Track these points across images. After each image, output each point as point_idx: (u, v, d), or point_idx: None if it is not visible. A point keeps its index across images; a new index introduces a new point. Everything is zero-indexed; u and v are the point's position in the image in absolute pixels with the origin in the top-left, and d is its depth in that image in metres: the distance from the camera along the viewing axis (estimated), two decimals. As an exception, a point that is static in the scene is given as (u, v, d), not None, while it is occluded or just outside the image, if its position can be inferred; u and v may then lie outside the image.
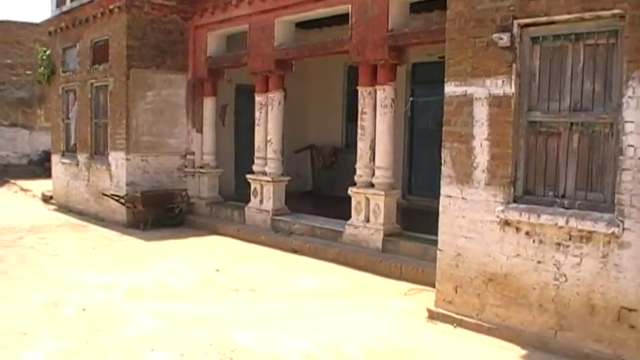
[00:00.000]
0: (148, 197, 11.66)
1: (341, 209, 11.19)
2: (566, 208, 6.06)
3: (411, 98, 9.32)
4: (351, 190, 9.63)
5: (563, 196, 6.17)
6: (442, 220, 6.92)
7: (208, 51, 12.39)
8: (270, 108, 11.09)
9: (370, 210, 9.42)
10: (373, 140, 9.50)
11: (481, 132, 6.53)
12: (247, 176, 11.50)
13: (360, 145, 9.57)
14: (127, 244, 10.72)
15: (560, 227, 5.97)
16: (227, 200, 12.79)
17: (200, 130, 12.76)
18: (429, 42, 8.77)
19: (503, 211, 6.31)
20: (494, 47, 6.41)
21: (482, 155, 6.52)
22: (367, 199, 9.44)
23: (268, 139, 11.11)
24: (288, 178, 11.28)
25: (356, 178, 9.65)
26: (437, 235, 8.87)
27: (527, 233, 6.22)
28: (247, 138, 12.97)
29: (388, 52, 9.04)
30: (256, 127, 11.40)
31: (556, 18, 6.03)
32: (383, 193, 9.21)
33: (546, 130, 6.25)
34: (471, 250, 6.63)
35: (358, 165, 9.60)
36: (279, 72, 10.92)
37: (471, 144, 6.61)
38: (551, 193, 6.25)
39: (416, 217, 10.97)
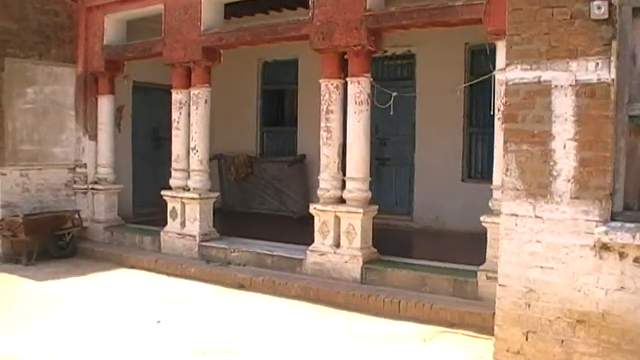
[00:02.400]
0: (32, 222, 8.79)
1: (272, 230, 9.48)
2: (687, 225, 4.50)
3: (394, 93, 7.44)
4: (314, 208, 7.55)
5: (677, 210, 4.61)
6: (504, 246, 5.13)
7: (105, 38, 9.72)
8: (194, 108, 8.77)
9: (341, 232, 7.46)
10: (342, 145, 7.50)
11: (564, 130, 4.85)
12: (164, 193, 9.04)
13: (324, 151, 7.59)
14: (2, 288, 7.71)
15: (684, 250, 4.38)
16: (127, 222, 10.05)
17: (94, 137, 10.04)
18: (423, 24, 6.95)
19: (605, 233, 4.61)
20: (583, 20, 4.79)
21: (566, 160, 4.85)
22: (337, 219, 7.43)
23: (192, 146, 8.78)
24: (217, 194, 8.91)
25: (320, 192, 7.65)
26: (431, 259, 7.31)
27: (635, 260, 4.60)
28: (146, 146, 10.42)
29: (367, 36, 7.10)
30: (174, 132, 8.99)
31: (676, -19, 4.46)
32: (360, 210, 7.26)
33: (654, 127, 4.66)
34: (551, 285, 4.94)
35: (323, 176, 7.60)
36: (206, 63, 8.67)
37: (549, 146, 4.92)
38: (661, 208, 4.66)
39: (382, 238, 9.16)
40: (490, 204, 6.58)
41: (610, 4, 4.66)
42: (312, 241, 7.75)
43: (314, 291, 7.25)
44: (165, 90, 10.54)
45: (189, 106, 8.84)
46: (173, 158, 8.99)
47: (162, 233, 9.05)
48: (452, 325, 6.33)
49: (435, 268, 7.04)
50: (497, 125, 6.53)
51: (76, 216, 9.46)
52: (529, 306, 5.05)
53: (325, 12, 7.43)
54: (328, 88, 7.53)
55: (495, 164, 6.55)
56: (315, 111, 10.55)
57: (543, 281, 4.98)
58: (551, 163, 4.92)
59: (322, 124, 7.61)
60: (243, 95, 11.81)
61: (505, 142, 5.15)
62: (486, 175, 9.65)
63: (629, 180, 4.79)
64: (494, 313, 6.13)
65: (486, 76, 6.75)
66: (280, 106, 12.28)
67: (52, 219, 9.17)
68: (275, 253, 8.03)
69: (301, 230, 10.41)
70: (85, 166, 9.98)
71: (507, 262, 5.16)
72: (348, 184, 7.44)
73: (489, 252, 6.57)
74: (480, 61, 9.71)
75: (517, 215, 5.09)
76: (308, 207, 10.62)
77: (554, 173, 4.91)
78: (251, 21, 9.98)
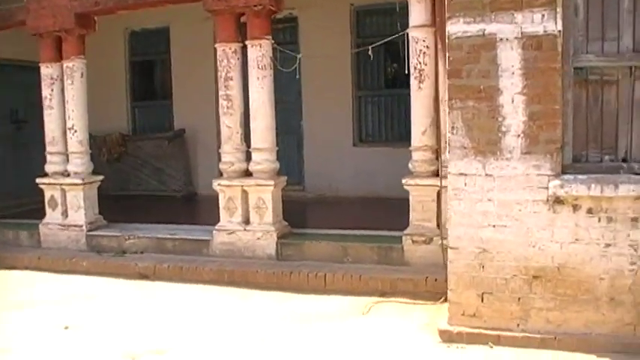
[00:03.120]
0: None
1: (159, 212, 8.79)
2: (637, 174, 4.52)
3: (299, 55, 6.91)
4: (218, 184, 6.88)
5: (624, 160, 4.62)
6: (454, 207, 4.87)
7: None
8: (69, 82, 7.68)
9: (251, 207, 6.86)
10: (244, 115, 6.87)
11: (512, 84, 4.67)
12: (40, 180, 7.95)
13: (225, 121, 6.94)
14: None
15: (637, 198, 4.43)
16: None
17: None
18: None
19: (561, 186, 4.51)
20: (527, -31, 4.51)
21: (515, 115, 4.68)
22: (245, 193, 6.83)
23: (69, 126, 7.72)
24: (101, 177, 7.89)
25: (222, 166, 7.02)
26: (344, 228, 6.97)
27: (589, 211, 4.57)
28: (4, 130, 9.08)
29: (269, -5, 6.51)
30: (47, 112, 7.87)
31: None
32: (271, 182, 6.73)
33: (599, 78, 4.60)
34: (505, 243, 4.79)
35: (225, 149, 6.95)
36: (79, 31, 7.58)
37: (497, 101, 4.72)
38: (607, 158, 4.66)
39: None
40: (410, 166, 6.34)
41: (555, -47, 4.46)
42: (215, 220, 7.14)
43: (229, 273, 6.67)
44: (24, 67, 9.23)
45: (62, 81, 7.72)
46: (47, 140, 7.86)
47: (41, 226, 7.91)
48: (383, 294, 6.06)
49: (357, 237, 6.71)
50: (414, 85, 6.29)
51: None
52: (483, 267, 4.86)
53: (220, -30, 6.65)
54: (226, 53, 6.83)
55: (415, 125, 6.27)
56: (191, 81, 9.81)
57: (497, 240, 4.80)
58: (500, 119, 4.72)
59: (221, 93, 6.94)
60: (109, 69, 10.60)
61: (450, 100, 4.86)
62: (377, 139, 9.53)
63: (576, 132, 4.73)
64: (426, 277, 6.02)
65: (400, 34, 6.42)
66: (151, 78, 11.20)
67: None
68: (177, 236, 7.25)
69: (191, 209, 9.71)
70: None
71: (458, 223, 4.91)
72: (254, 156, 6.85)
73: (413, 215, 6.37)
74: (366, 24, 9.47)
75: (466, 174, 4.84)
76: (191, 184, 9.99)
77: (503, 129, 4.72)
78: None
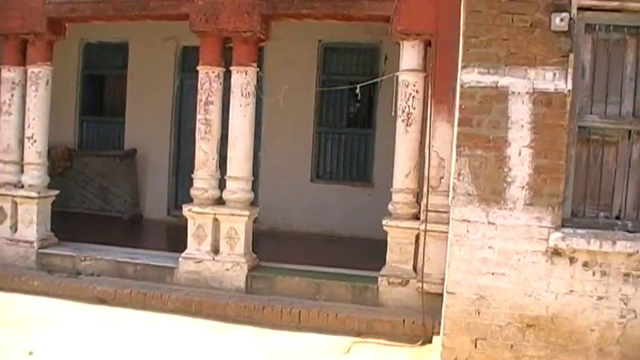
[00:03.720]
0: None
1: (109, 234, 8.35)
2: (631, 232, 4.73)
3: (285, 85, 6.79)
4: (188, 210, 6.61)
5: (617, 218, 4.85)
6: (455, 253, 4.91)
7: None
8: (32, 89, 7.23)
9: (222, 236, 6.64)
10: (219, 141, 6.70)
11: (520, 137, 4.80)
12: (-17, 190, 7.18)
13: (202, 146, 6.70)
14: None
15: (630, 255, 4.62)
16: None
17: None
18: (324, 16, 6.46)
19: (562, 239, 4.64)
20: (543, 30, 4.79)
21: (520, 167, 4.80)
22: (216, 222, 6.58)
23: (28, 134, 7.24)
24: (57, 192, 7.38)
25: (194, 192, 6.75)
26: (319, 265, 6.86)
27: (585, 264, 4.75)
28: None
29: (259, 22, 6.45)
30: (3, 118, 7.32)
31: (629, 5, 4.63)
32: (246, 212, 6.56)
33: (601, 138, 4.82)
34: (502, 291, 4.89)
35: (199, 174, 6.71)
36: (50, 36, 7.17)
37: (505, 152, 4.82)
38: (602, 214, 4.87)
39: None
40: (391, 207, 6.35)
41: (570, 18, 4.65)
42: (169, 247, 7.18)
43: (197, 303, 6.37)
44: None
45: (23, 86, 7.23)
46: (1, 148, 7.32)
47: (-16, 240, 7.22)
48: (359, 334, 5.99)
49: (330, 275, 6.61)
50: (400, 128, 6.35)
51: None
52: (479, 313, 4.92)
53: (210, -9, 6.49)
54: (209, 76, 6.65)
55: (398, 168, 6.32)
56: (146, 101, 9.45)
57: (495, 287, 4.87)
58: (506, 170, 4.82)
59: (200, 116, 6.71)
60: (60, 79, 9.89)
61: (458, 147, 4.91)
62: (335, 176, 9.51)
63: (576, 187, 4.88)
64: (404, 320, 5.99)
65: (389, 76, 6.49)
66: (103, 93, 10.67)
67: None
68: (138, 261, 6.86)
69: (140, 233, 9.25)
70: None
71: (457, 269, 4.95)
72: (230, 184, 6.65)
73: (390, 257, 6.38)
74: (332, 60, 9.50)
75: (469, 221, 4.89)
76: (138, 207, 9.53)
77: (509, 179, 4.82)
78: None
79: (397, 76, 6.39)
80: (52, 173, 9.16)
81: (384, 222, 6.31)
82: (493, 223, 4.83)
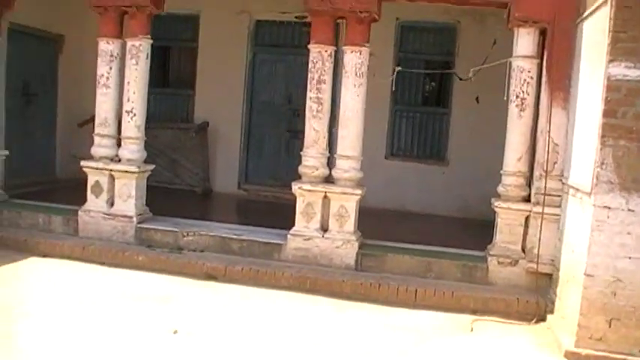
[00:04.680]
0: None
1: (189, 207, 8.79)
2: None
3: (398, 67, 7.17)
4: (298, 187, 7.03)
5: None
6: (595, 238, 5.37)
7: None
8: (133, 62, 7.48)
9: (331, 214, 7.03)
10: (332, 120, 7.09)
11: (664, 129, 5.18)
12: (84, 164, 7.62)
13: (313, 124, 7.08)
14: None
15: None
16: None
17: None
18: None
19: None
20: (690, 26, 5.12)
21: (663, 157, 5.19)
22: (327, 200, 6.99)
23: (128, 108, 7.51)
24: (153, 166, 7.73)
25: (304, 170, 7.15)
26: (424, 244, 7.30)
27: None
28: (16, 103, 8.84)
29: (377, 2, 6.81)
30: (101, 90, 7.57)
31: None
32: (358, 191, 6.98)
33: None
34: (637, 274, 5.30)
35: (310, 152, 7.10)
36: (152, 9, 7.42)
37: (648, 143, 5.21)
38: None
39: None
40: (501, 189, 6.79)
41: None
42: (254, 222, 7.60)
43: (311, 280, 6.77)
44: (38, 36, 8.93)
45: (120, 59, 7.52)
46: (98, 122, 7.60)
47: (81, 212, 7.61)
48: (474, 312, 6.41)
49: (441, 253, 7.06)
50: (514, 113, 6.75)
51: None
52: (615, 295, 5.36)
53: (328, -29, 6.82)
54: (322, 55, 7.00)
55: (511, 151, 6.77)
56: (218, 74, 9.76)
57: (630, 271, 5.32)
58: (649, 159, 5.23)
59: (312, 95, 7.07)
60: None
61: (602, 137, 5.33)
62: (409, 153, 9.93)
63: None
64: (517, 298, 6.48)
65: (502, 61, 6.85)
66: (172, 65, 10.94)
67: None
68: (244, 237, 7.24)
69: (220, 207, 9.62)
70: None
71: (596, 252, 5.39)
72: (341, 163, 7.05)
73: (499, 237, 6.83)
74: (409, 39, 9.86)
75: (610, 208, 5.33)
76: (208, 180, 9.91)
77: (651, 169, 5.24)
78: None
79: (510, 62, 6.76)
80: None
81: (495, 203, 6.76)
82: (633, 210, 5.28)
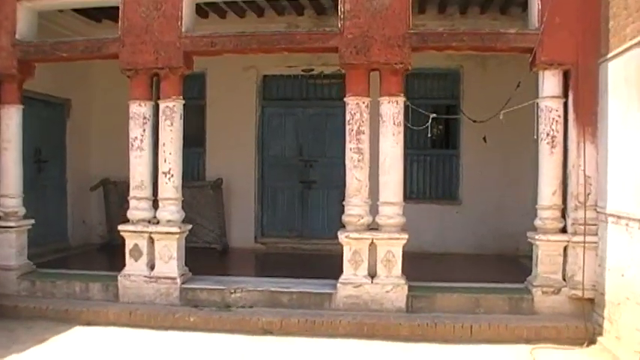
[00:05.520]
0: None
1: (211, 264, 9.16)
2: None
3: (433, 114, 7.75)
4: (345, 236, 7.39)
5: None
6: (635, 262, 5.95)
7: (18, 32, 7.86)
8: (167, 123, 7.72)
9: (379, 260, 7.41)
10: (369, 169, 7.55)
11: None
12: (122, 228, 7.72)
13: (355, 174, 7.46)
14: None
15: None
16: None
17: (-7, 159, 7.96)
18: (470, 48, 7.44)
19: None
20: None
21: None
22: (373, 246, 7.39)
23: (165, 170, 7.71)
24: (190, 226, 7.95)
25: (349, 219, 7.49)
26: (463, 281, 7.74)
27: None
28: (28, 170, 8.81)
29: (409, 54, 7.35)
30: (135, 153, 7.77)
31: None
32: (405, 236, 7.40)
33: None
34: None
35: (353, 202, 7.46)
36: (184, 70, 7.72)
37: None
38: None
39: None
40: (539, 222, 7.28)
41: None
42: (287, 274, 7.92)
43: (368, 326, 7.04)
44: (48, 102, 9.08)
45: (152, 120, 7.82)
46: (134, 184, 7.74)
47: (120, 277, 7.69)
48: (528, 342, 6.80)
49: (486, 289, 7.49)
50: (545, 150, 7.29)
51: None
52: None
53: (359, 25, 7.33)
54: (359, 107, 7.43)
55: (545, 186, 7.27)
56: (227, 130, 10.11)
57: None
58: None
59: (352, 146, 7.45)
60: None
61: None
62: (422, 195, 10.45)
63: None
64: (566, 325, 6.98)
65: (529, 103, 7.47)
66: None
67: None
68: (293, 290, 7.51)
69: (244, 262, 9.85)
70: (-22, 197, 7.86)
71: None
72: (385, 209, 7.42)
73: (540, 268, 7.30)
74: (414, 86, 10.47)
75: (646, 236, 5.90)
76: (225, 236, 10.15)
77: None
78: (237, 22, 9.09)
79: (537, 103, 7.38)
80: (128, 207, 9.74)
81: (535, 237, 7.25)
82: None
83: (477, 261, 9.75)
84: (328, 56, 8.73)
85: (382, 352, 6.50)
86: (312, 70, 10.45)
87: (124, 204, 9.69)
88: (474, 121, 8.70)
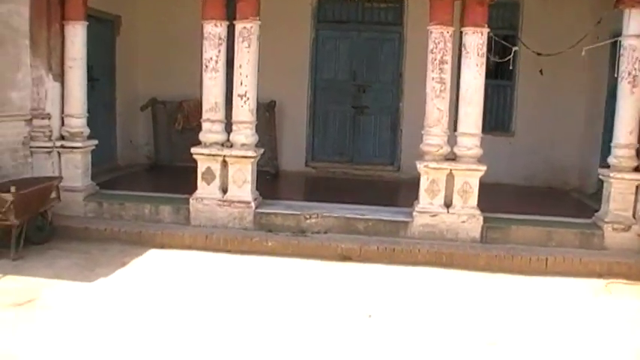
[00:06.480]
0: (24, 199, 6.72)
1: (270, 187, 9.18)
2: None
3: (515, 47, 7.94)
4: (424, 166, 7.63)
5: None
6: None
7: None
8: (245, 45, 7.72)
9: (455, 190, 7.68)
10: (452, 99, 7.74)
11: None
12: (195, 150, 7.80)
13: (437, 104, 7.62)
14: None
15: None
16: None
17: (59, 78, 7.93)
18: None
19: None
20: None
21: None
22: (451, 176, 7.65)
23: (241, 92, 7.75)
24: (262, 150, 8.11)
25: (428, 148, 7.69)
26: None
27: None
28: None
29: (497, -18, 7.40)
30: (210, 75, 7.80)
31: None
32: (483, 167, 7.65)
33: None
34: None
35: (433, 131, 7.66)
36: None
37: None
38: None
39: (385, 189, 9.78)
40: (615, 161, 7.55)
41: None
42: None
43: (447, 255, 7.34)
44: (99, 19, 9.13)
45: (227, 41, 7.83)
46: (208, 107, 7.80)
47: (192, 201, 7.84)
48: (600, 276, 7.11)
49: (558, 223, 7.83)
50: (625, 89, 7.47)
51: (56, 184, 7.56)
52: None
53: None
54: (443, 36, 7.52)
55: (622, 125, 7.49)
56: (280, 51, 10.12)
57: None
58: None
59: (434, 75, 7.58)
60: (180, 32, 10.40)
61: None
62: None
63: None
64: (636, 261, 7.39)
65: (612, 40, 7.65)
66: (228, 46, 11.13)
67: (41, 192, 7.18)
68: (369, 217, 7.78)
69: (299, 187, 10.08)
70: (48, 116, 7.88)
71: None
72: (464, 140, 7.61)
73: (612, 205, 7.63)
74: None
75: None
76: (276, 159, 10.33)
77: None
78: None
79: (620, 41, 7.54)
80: (185, 127, 9.89)
81: (609, 174, 7.54)
82: None
83: (529, 193, 10.13)
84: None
85: (462, 280, 6.81)
86: (370, -6, 10.47)
87: (172, 124, 9.90)
88: (539, 54, 8.84)
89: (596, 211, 7.97)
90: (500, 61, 8.36)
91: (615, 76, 7.60)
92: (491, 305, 6.12)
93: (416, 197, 7.81)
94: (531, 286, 6.74)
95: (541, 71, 10.25)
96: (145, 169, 10.74)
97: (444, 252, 7.38)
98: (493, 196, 8.20)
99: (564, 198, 10.07)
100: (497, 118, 10.74)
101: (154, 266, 6.90)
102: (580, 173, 10.50)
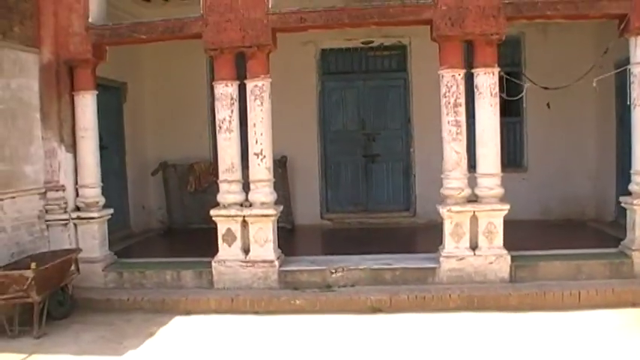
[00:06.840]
0: (44, 275, 6.68)
1: (290, 244, 9.13)
2: None
3: (526, 84, 8.00)
4: (447, 210, 7.62)
5: None
6: None
7: (91, 15, 7.83)
8: (257, 103, 7.79)
9: (480, 232, 7.67)
10: (469, 141, 7.78)
11: None
12: (214, 212, 7.79)
13: (454, 147, 7.67)
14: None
15: None
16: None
17: (71, 149, 7.99)
18: (565, 16, 7.66)
19: None
20: None
21: None
22: (474, 218, 7.64)
23: (256, 151, 7.80)
24: (281, 207, 8.12)
25: (449, 192, 7.71)
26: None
27: None
28: None
29: (504, 24, 7.50)
30: (224, 135, 7.83)
31: None
32: (507, 207, 7.67)
33: None
34: None
35: (453, 175, 7.68)
36: (272, 48, 7.79)
37: None
38: None
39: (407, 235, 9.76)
40: (635, 187, 7.56)
41: None
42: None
43: (478, 298, 7.29)
44: (106, 86, 9.20)
45: (238, 101, 7.89)
46: (224, 168, 7.81)
47: (214, 263, 7.80)
48: (634, 305, 7.07)
49: (585, 255, 7.80)
50: (638, 114, 7.55)
51: (75, 257, 7.52)
52: None
53: (452, -4, 7.45)
54: (455, 79, 7.60)
55: (638, 151, 7.54)
56: (287, 107, 10.20)
57: None
58: None
59: (449, 118, 7.63)
60: (190, 89, 10.53)
61: None
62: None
63: None
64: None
65: (621, 69, 7.76)
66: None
67: (60, 266, 7.14)
68: (396, 266, 7.75)
69: (319, 241, 10.05)
70: (62, 188, 7.89)
71: None
72: (485, 181, 7.63)
73: (638, 232, 7.62)
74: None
75: None
76: (291, 214, 10.34)
77: None
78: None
79: (630, 69, 7.62)
80: (197, 189, 9.92)
81: (632, 202, 7.53)
82: None
83: (548, 227, 10.12)
84: (387, 28, 8.84)
85: (496, 323, 6.74)
86: (372, 42, 10.60)
87: (184, 187, 9.92)
88: (546, 88, 8.94)
89: (619, 239, 7.96)
90: (512, 99, 8.36)
91: (628, 104, 7.66)
92: (531, 347, 6.04)
93: (438, 241, 7.81)
94: (566, 322, 6.70)
95: (548, 105, 10.36)
96: (159, 234, 10.73)
97: (475, 295, 7.33)
98: (513, 234, 8.12)
99: (583, 229, 10.08)
100: (509, 154, 10.77)
101: (183, 334, 6.80)
102: (596, 203, 10.54)
